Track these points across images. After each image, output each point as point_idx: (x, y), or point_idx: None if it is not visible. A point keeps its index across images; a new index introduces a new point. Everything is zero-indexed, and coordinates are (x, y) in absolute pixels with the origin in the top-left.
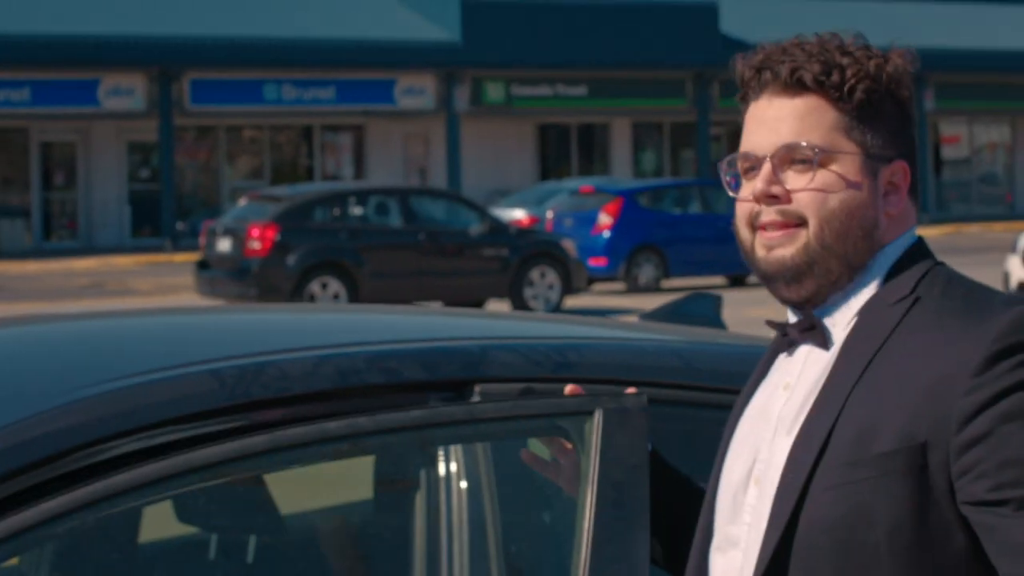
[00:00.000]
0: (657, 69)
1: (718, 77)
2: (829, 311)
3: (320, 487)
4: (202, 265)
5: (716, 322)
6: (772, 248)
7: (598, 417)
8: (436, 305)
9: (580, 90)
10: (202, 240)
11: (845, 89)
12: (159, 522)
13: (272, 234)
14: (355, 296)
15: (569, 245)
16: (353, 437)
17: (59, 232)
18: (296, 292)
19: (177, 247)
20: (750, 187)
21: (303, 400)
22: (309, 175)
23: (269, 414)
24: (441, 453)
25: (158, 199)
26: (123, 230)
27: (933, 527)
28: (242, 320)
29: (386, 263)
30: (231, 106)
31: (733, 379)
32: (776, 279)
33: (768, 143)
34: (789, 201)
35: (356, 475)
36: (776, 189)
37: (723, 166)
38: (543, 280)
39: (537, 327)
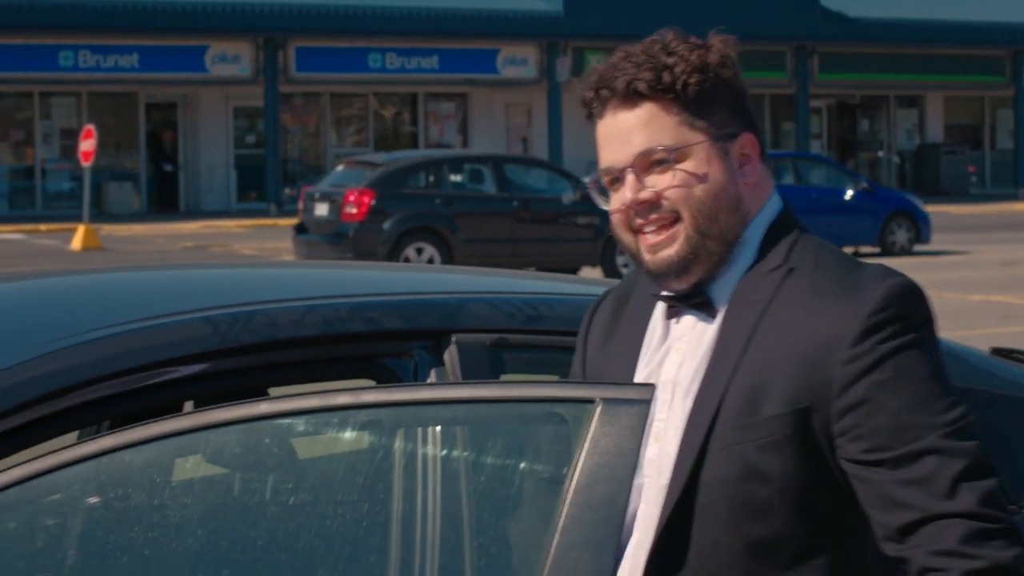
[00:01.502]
0: (757, 42)
1: (818, 50)
2: (713, 285)
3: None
4: (300, 229)
5: None
6: (657, 250)
7: (597, 408)
8: (530, 271)
9: None
10: (300, 204)
11: (678, 87)
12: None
13: (368, 199)
14: (449, 261)
15: None
16: (352, 408)
17: (165, 195)
18: (391, 257)
19: (282, 212)
20: (620, 198)
21: (290, 345)
22: (413, 143)
23: (259, 358)
24: (431, 432)
25: (263, 164)
26: (229, 194)
27: (818, 481)
28: (238, 274)
29: (480, 229)
30: (335, 74)
31: None
32: (667, 275)
33: (624, 155)
34: (659, 202)
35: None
36: (644, 195)
37: (591, 183)
38: None
39: (513, 283)
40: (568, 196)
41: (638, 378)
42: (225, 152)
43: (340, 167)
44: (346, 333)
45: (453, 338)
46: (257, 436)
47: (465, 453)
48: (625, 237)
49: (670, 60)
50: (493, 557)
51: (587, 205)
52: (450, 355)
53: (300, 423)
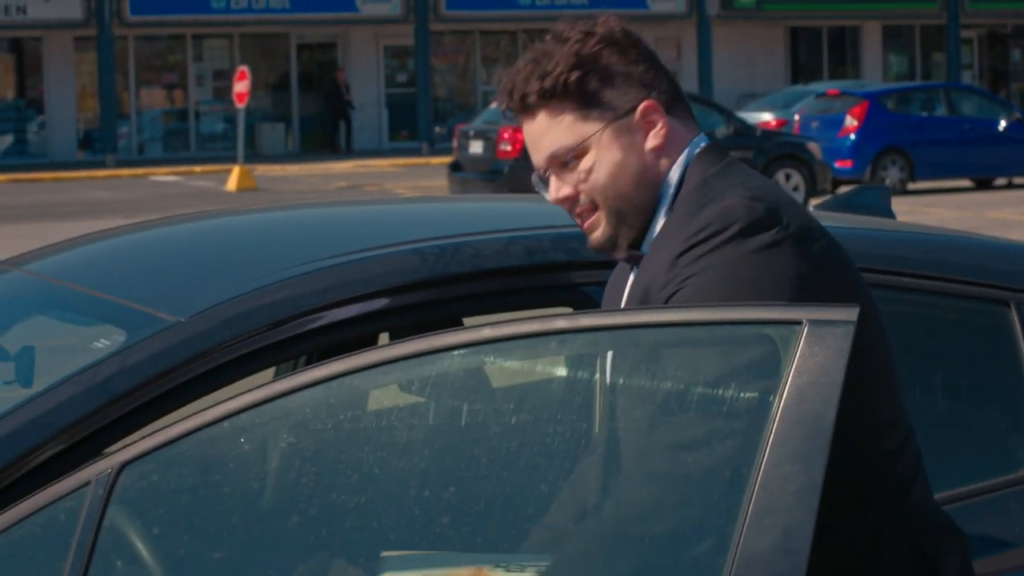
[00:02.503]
0: None
1: None
2: (644, 242)
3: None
4: (454, 167)
5: (885, 212)
6: (590, 233)
7: (804, 329)
8: None
9: None
10: (454, 143)
11: (562, 88)
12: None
13: (523, 136)
14: None
15: (814, 147)
16: (569, 332)
17: (317, 136)
18: None
19: (433, 150)
20: (550, 195)
21: (495, 275)
22: None
23: (463, 288)
24: (644, 354)
25: (415, 103)
26: (381, 134)
27: None
28: (440, 207)
29: None
30: (486, 11)
31: (893, 262)
32: (605, 250)
33: (540, 159)
34: (576, 196)
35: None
36: (563, 193)
37: (533, 177)
38: (788, 182)
39: None
40: (721, 130)
41: None
42: (376, 92)
43: (493, 105)
44: (548, 263)
45: None
46: (479, 360)
47: (678, 372)
48: (575, 220)
49: (551, 64)
50: (707, 471)
51: (740, 139)
52: None
53: (519, 347)
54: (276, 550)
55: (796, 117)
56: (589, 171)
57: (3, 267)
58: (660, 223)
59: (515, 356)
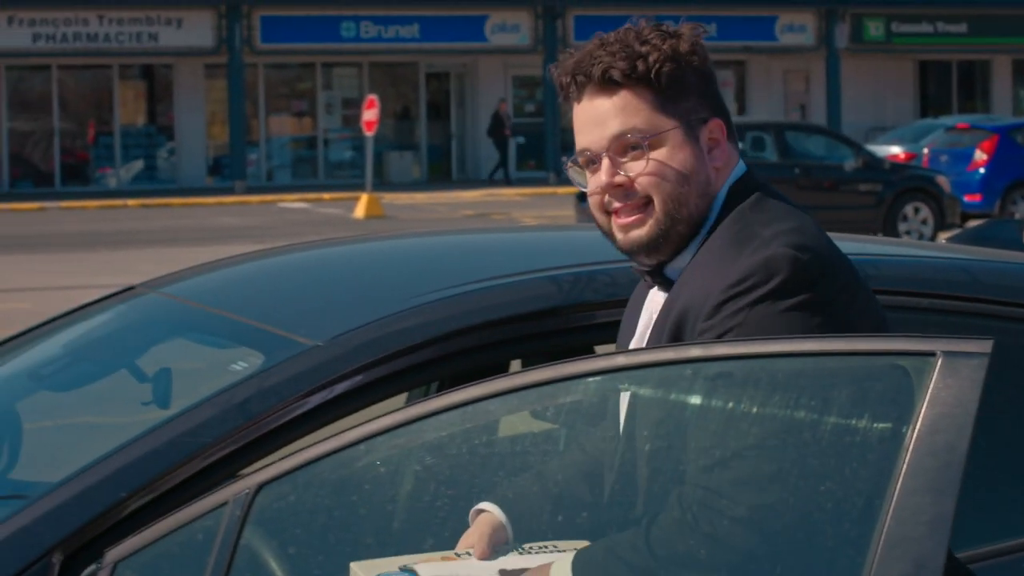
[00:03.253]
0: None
1: None
2: (677, 259)
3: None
4: (581, 197)
5: (1016, 245)
6: (628, 230)
7: (938, 361)
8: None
9: (960, 27)
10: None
11: (652, 75)
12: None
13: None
14: None
15: (943, 181)
16: (703, 361)
17: (443, 164)
18: None
19: (560, 180)
20: (596, 180)
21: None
22: None
23: (598, 315)
24: (779, 384)
25: (542, 133)
26: (508, 163)
27: None
28: (572, 236)
29: None
30: None
31: (1018, 293)
32: (636, 253)
33: (600, 138)
34: (632, 186)
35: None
36: (619, 179)
37: (567, 162)
38: (916, 215)
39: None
40: (850, 163)
41: (633, 344)
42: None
43: None
44: None
45: None
46: (611, 387)
47: (812, 402)
48: (599, 217)
49: (643, 49)
50: (839, 500)
51: (869, 172)
52: None
53: (653, 375)
54: None
55: (925, 151)
56: (660, 163)
57: (141, 290)
58: (691, 252)
59: (649, 384)
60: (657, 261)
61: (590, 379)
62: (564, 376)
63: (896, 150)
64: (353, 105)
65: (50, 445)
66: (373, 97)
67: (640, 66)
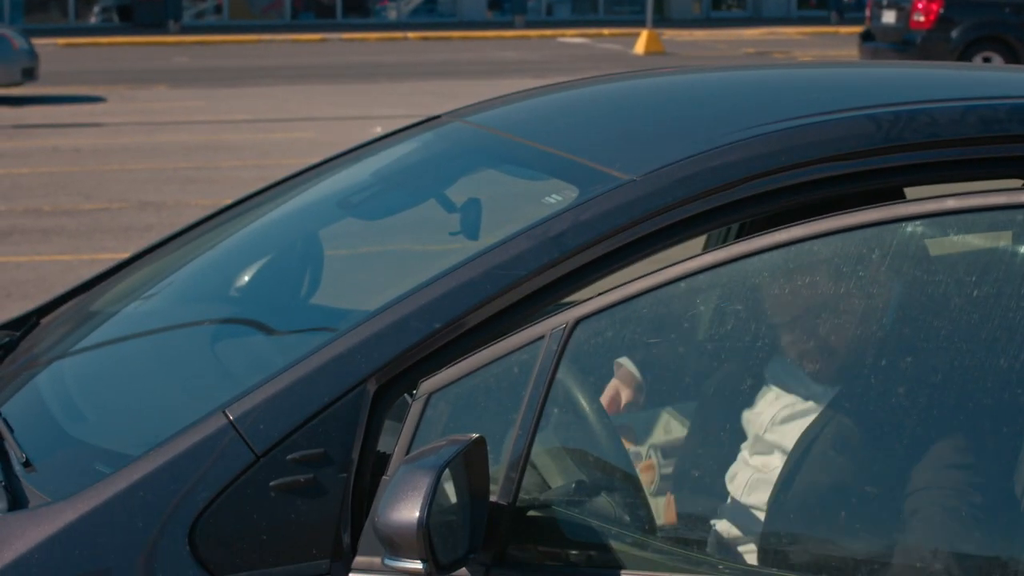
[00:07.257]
0: None
1: None
2: None
3: None
4: (866, 36)
5: None
6: None
7: None
8: None
9: None
10: (867, 12)
11: None
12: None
13: (936, 7)
14: None
15: None
16: (1019, 208)
17: (728, 2)
18: None
19: (842, 19)
20: None
21: (949, 145)
22: None
23: (914, 156)
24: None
25: None
26: (789, 1)
27: None
28: (891, 73)
29: None
30: None
31: None
32: None
33: None
34: None
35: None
36: None
37: None
38: None
39: None
40: None
41: None
42: None
43: None
44: (1003, 134)
45: None
46: (941, 229)
47: None
48: None
49: None
50: None
51: None
52: None
53: (983, 220)
54: None
55: None
56: None
57: (447, 119)
58: None
59: (977, 229)
60: None
61: (916, 222)
62: (890, 218)
63: None
64: None
65: (360, 274)
66: None
67: None
